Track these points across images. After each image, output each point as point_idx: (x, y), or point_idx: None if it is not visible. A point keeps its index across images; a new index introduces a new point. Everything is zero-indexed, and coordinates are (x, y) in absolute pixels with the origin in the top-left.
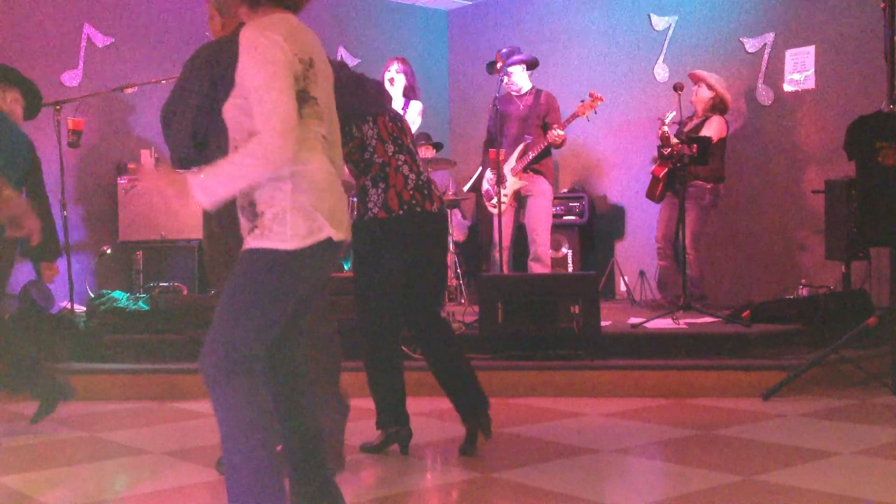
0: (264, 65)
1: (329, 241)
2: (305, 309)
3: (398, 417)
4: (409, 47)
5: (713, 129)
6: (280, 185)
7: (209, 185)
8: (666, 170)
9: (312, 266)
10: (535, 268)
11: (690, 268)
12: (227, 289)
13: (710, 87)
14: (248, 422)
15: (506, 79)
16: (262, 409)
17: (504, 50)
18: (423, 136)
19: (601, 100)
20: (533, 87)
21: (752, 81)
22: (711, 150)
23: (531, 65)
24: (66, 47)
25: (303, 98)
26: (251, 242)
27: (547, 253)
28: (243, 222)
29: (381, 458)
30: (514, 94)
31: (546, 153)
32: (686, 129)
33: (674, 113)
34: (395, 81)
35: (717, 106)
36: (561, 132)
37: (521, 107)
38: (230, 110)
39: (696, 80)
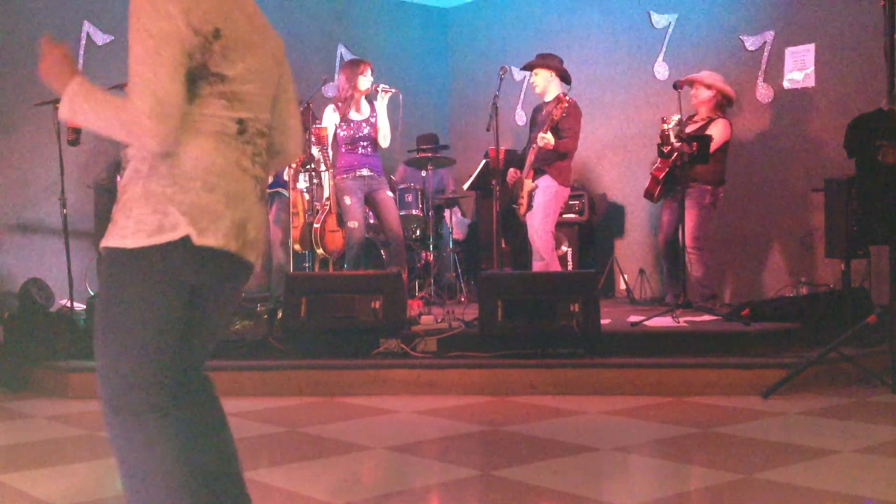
0: (144, 37)
1: (187, 243)
2: (209, 328)
3: None
4: (409, 45)
5: (717, 131)
6: (138, 167)
7: (78, 104)
8: (665, 171)
9: (169, 273)
10: (537, 266)
11: (694, 268)
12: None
13: (707, 86)
14: (161, 475)
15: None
16: (181, 455)
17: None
18: (432, 139)
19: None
20: (560, 93)
21: (752, 79)
22: (713, 152)
23: (562, 76)
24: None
25: (201, 75)
26: (104, 239)
27: (546, 249)
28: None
29: (380, 458)
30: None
31: (557, 156)
32: (688, 130)
33: (678, 116)
34: (369, 88)
35: (722, 103)
36: (544, 136)
37: (544, 112)
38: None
39: (690, 83)
